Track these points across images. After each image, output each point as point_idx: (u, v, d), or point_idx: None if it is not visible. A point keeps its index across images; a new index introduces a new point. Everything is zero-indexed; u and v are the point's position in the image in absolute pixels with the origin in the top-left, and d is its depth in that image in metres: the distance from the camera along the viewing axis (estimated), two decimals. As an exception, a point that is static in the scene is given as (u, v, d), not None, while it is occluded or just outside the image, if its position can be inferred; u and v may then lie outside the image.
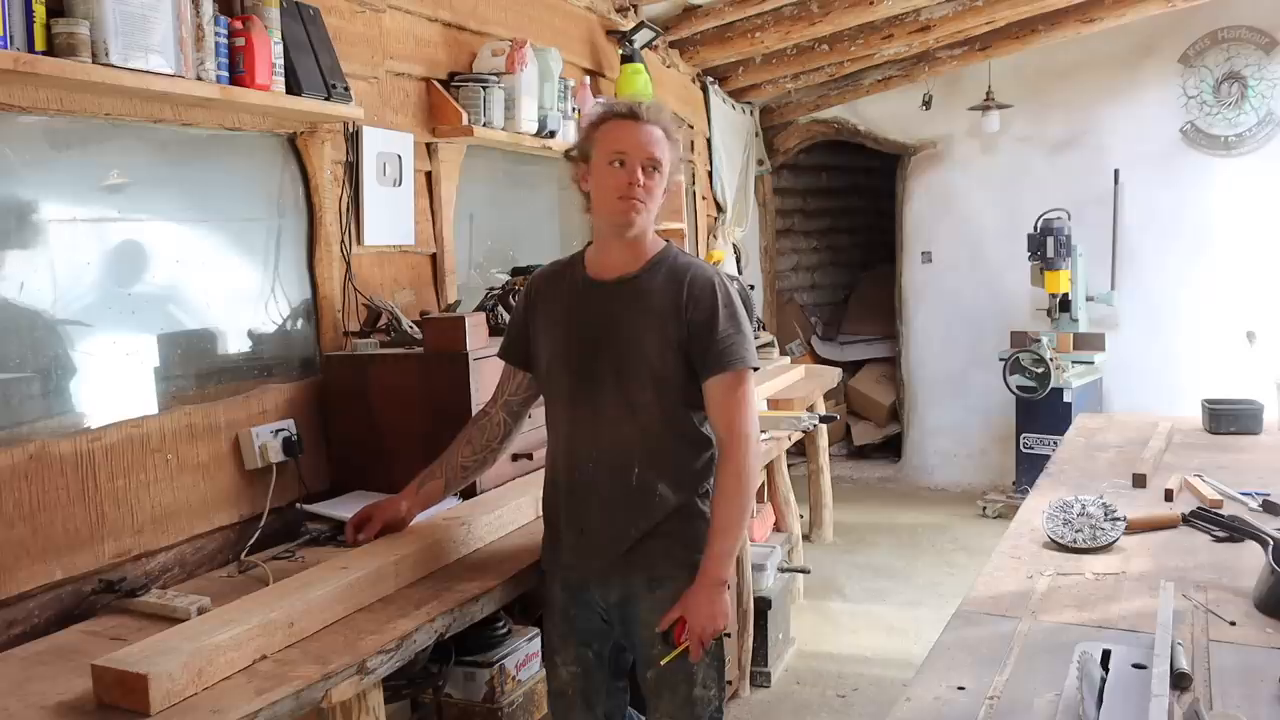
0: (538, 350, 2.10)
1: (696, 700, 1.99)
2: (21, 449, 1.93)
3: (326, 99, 2.46)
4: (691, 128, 5.19)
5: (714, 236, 5.53)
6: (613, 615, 2.05)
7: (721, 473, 1.97)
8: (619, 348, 1.97)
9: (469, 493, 2.52)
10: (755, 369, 2.01)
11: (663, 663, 1.93)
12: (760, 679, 3.59)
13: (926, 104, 5.98)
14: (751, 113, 6.25)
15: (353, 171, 2.76)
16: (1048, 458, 3.19)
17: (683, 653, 1.92)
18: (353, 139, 2.75)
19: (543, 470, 2.75)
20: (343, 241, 2.74)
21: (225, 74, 2.19)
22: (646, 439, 1.97)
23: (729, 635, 2.07)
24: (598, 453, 1.99)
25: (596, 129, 1.98)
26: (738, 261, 5.98)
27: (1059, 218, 5.28)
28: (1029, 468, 5.14)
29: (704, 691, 2.00)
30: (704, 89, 5.43)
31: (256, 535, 2.36)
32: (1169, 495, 2.53)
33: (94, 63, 1.88)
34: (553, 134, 3.50)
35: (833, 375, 5.45)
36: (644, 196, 1.93)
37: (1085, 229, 5.57)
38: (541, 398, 2.18)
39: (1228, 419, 3.31)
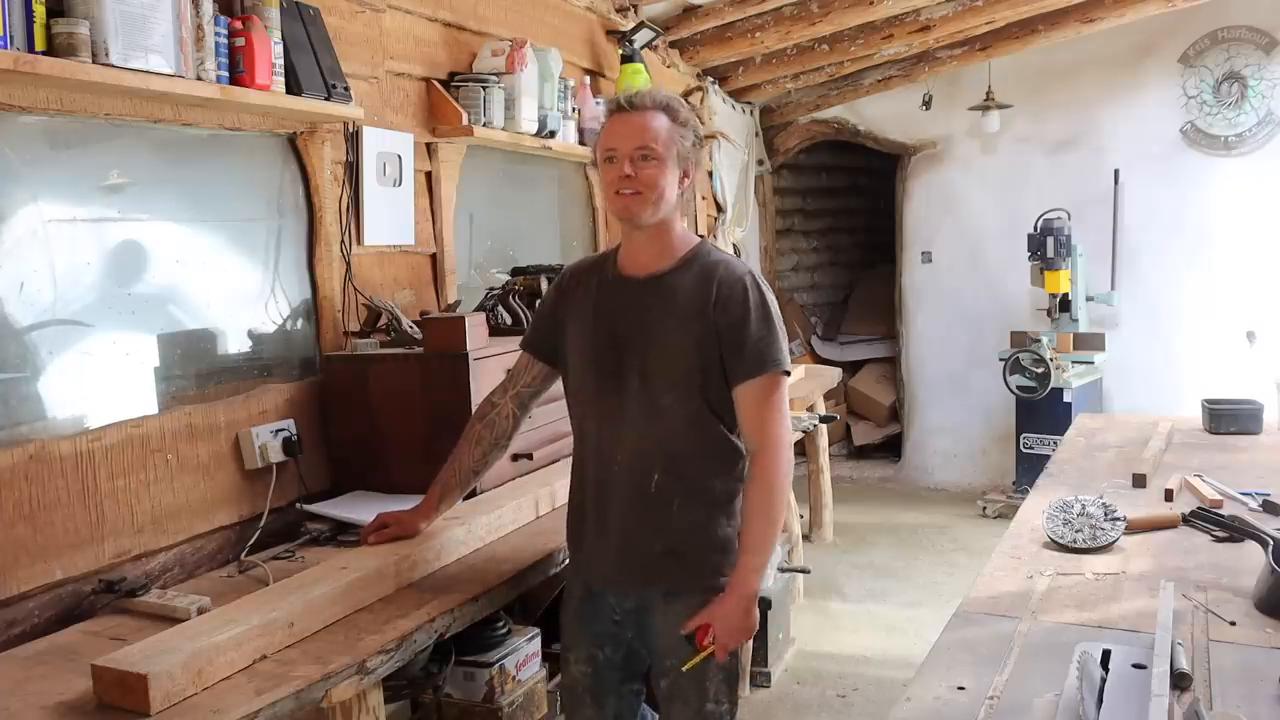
0: (565, 346, 2.04)
1: (708, 714, 1.95)
2: (21, 449, 1.93)
3: (326, 99, 2.46)
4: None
5: (714, 236, 5.53)
6: (628, 621, 2.00)
7: (751, 483, 1.91)
8: (644, 347, 1.91)
9: (468, 493, 2.52)
10: (787, 373, 1.93)
11: (685, 669, 1.89)
12: (760, 679, 3.59)
13: (926, 104, 5.98)
14: (751, 113, 6.25)
15: (353, 171, 2.76)
16: (1048, 458, 3.19)
17: (707, 658, 1.88)
18: (353, 139, 2.75)
19: (543, 469, 2.78)
20: (343, 241, 2.74)
21: (225, 74, 2.19)
22: (668, 445, 1.91)
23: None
24: (622, 455, 1.94)
25: (600, 129, 1.96)
26: (738, 261, 5.97)
27: (1059, 218, 5.28)
28: (1029, 468, 5.14)
29: (715, 706, 1.95)
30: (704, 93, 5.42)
31: (256, 535, 2.36)
32: (1169, 495, 2.53)
33: (94, 63, 1.88)
34: (553, 134, 3.50)
35: (833, 375, 5.45)
36: (640, 186, 1.86)
37: (1085, 229, 5.57)
38: (546, 391, 2.15)
39: (1228, 419, 3.31)
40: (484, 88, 3.16)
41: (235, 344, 2.53)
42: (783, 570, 3.86)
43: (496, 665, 2.40)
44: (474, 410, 2.24)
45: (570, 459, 2.09)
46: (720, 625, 1.87)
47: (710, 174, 5.44)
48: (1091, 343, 5.63)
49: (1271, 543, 1.91)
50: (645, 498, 1.92)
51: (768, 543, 1.91)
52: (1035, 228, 5.33)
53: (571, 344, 2.03)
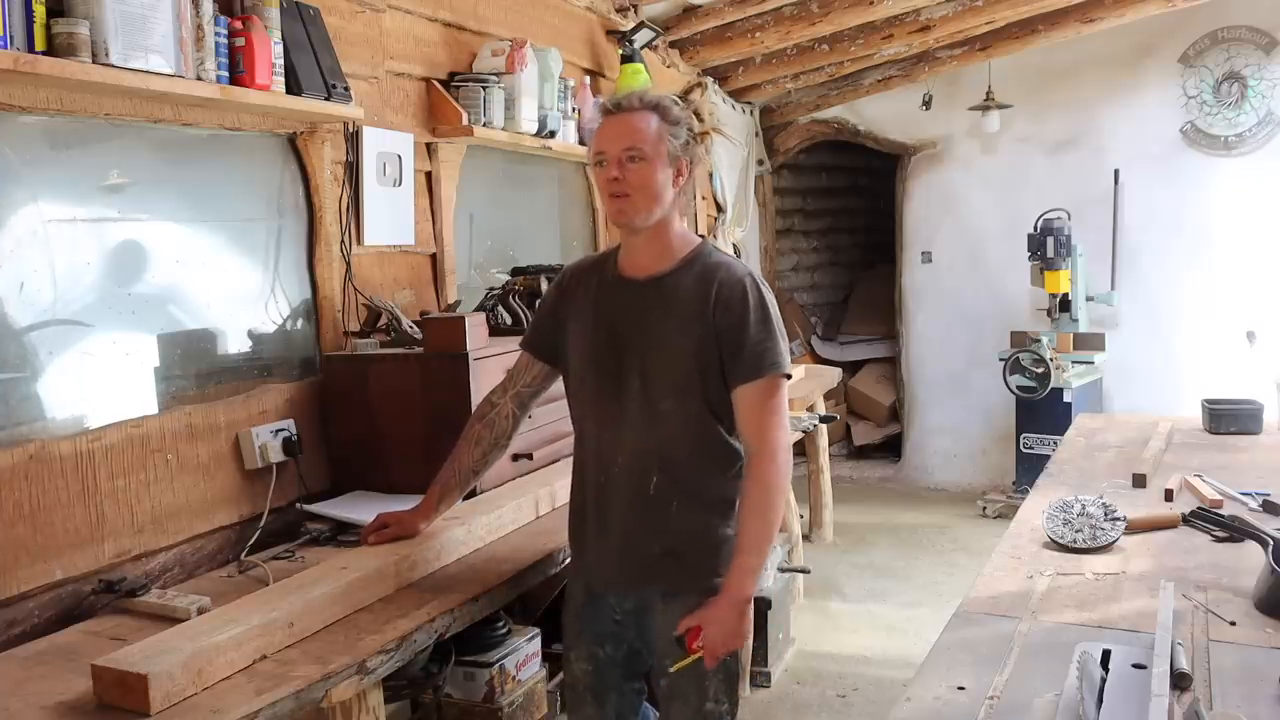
0: (566, 346, 2.04)
1: (708, 714, 1.94)
2: (21, 449, 1.93)
3: (326, 99, 2.46)
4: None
5: (714, 236, 5.53)
6: (628, 621, 2.00)
7: (748, 485, 1.89)
8: (644, 350, 1.91)
9: (468, 493, 2.52)
10: (788, 376, 1.91)
11: (673, 669, 1.87)
12: (760, 679, 3.59)
13: (926, 104, 5.98)
14: (751, 113, 6.25)
15: (353, 171, 2.76)
16: (1048, 458, 3.19)
17: (696, 661, 1.85)
18: (353, 139, 2.75)
19: (543, 469, 2.78)
20: (343, 241, 2.74)
21: (225, 74, 2.19)
22: (667, 447, 1.90)
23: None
24: (622, 457, 1.93)
25: (593, 135, 1.96)
26: (738, 261, 5.97)
27: (1059, 218, 5.28)
28: (1029, 468, 5.14)
29: (715, 706, 1.94)
30: (703, 89, 5.43)
31: (256, 535, 2.36)
32: (1169, 495, 2.53)
33: (94, 63, 1.88)
34: (553, 134, 3.50)
35: (833, 375, 5.45)
36: (630, 188, 1.85)
37: (1085, 229, 5.57)
38: (546, 391, 2.15)
39: (1228, 419, 3.31)
40: (484, 88, 3.16)
41: (235, 344, 2.53)
42: (783, 570, 3.86)
43: (496, 665, 2.40)
44: (474, 410, 2.23)
45: (570, 459, 2.09)
46: (711, 629, 1.84)
47: (710, 174, 5.44)
48: (1091, 343, 5.63)
49: (1271, 543, 1.91)
50: (645, 499, 1.91)
51: (764, 544, 1.88)
52: (1035, 228, 5.33)
53: (572, 344, 2.02)
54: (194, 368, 2.40)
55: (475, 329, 2.57)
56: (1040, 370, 5.26)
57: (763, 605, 3.56)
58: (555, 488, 2.57)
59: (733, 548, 1.92)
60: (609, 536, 1.97)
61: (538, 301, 2.99)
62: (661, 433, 1.90)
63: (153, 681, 1.50)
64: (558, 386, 2.12)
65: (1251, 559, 1.97)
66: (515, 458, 2.67)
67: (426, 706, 2.41)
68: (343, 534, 2.36)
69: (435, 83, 3.14)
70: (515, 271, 3.23)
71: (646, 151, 1.86)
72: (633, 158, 1.85)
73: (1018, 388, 5.36)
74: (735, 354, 1.88)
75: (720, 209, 5.56)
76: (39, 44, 1.81)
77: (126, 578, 2.04)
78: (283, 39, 2.34)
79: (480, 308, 3.03)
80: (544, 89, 3.46)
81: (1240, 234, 5.53)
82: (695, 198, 5.24)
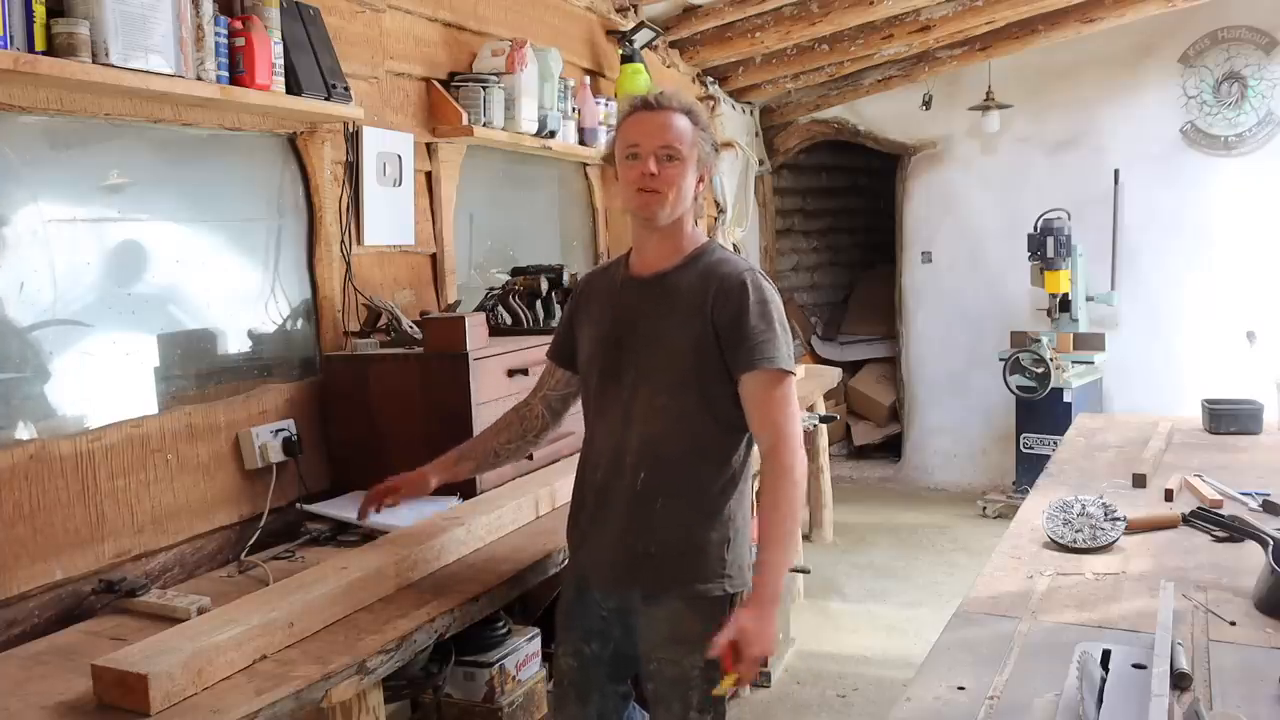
0: (579, 351, 2.06)
1: None
2: (21, 449, 1.93)
3: (326, 99, 2.46)
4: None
5: (714, 236, 5.53)
6: (613, 619, 2.00)
7: (767, 474, 1.85)
8: (641, 346, 1.92)
9: (469, 493, 2.52)
10: (791, 373, 1.89)
11: (715, 692, 1.81)
12: (760, 679, 3.59)
13: (926, 104, 5.98)
14: (751, 113, 6.25)
15: (353, 171, 2.76)
16: (1048, 458, 3.19)
17: (733, 676, 1.75)
18: (353, 139, 2.75)
19: (543, 469, 2.78)
20: (343, 241, 2.74)
21: (225, 74, 2.20)
22: (659, 444, 1.90)
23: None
24: (615, 454, 1.93)
25: (617, 127, 1.95)
26: (738, 261, 5.96)
27: (1059, 218, 5.28)
28: (1029, 468, 5.14)
29: (699, 716, 1.91)
30: (704, 89, 5.43)
31: (256, 535, 2.36)
32: (1169, 495, 2.53)
33: (94, 63, 1.88)
34: (553, 134, 3.50)
35: (833, 375, 5.45)
36: (662, 185, 1.86)
37: (1085, 229, 5.57)
38: (574, 397, 2.16)
39: (1228, 419, 3.31)
40: (484, 88, 3.16)
41: (235, 344, 2.53)
42: (783, 570, 3.86)
43: (496, 665, 2.40)
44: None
45: (569, 458, 2.10)
46: (742, 641, 1.75)
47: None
48: (1091, 343, 5.63)
49: (1271, 543, 1.91)
50: (634, 496, 1.92)
51: (788, 538, 1.84)
52: (1035, 228, 5.33)
53: (582, 347, 2.05)
54: (194, 368, 2.40)
55: (475, 329, 2.57)
56: (1040, 370, 5.26)
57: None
58: (555, 488, 2.57)
59: (717, 550, 1.90)
60: (600, 533, 1.98)
61: (538, 302, 3.01)
62: (655, 429, 1.90)
63: (153, 681, 1.50)
64: None
65: (1251, 559, 1.97)
66: (515, 458, 2.67)
67: (426, 706, 2.41)
68: (343, 534, 2.36)
69: (435, 83, 3.14)
70: (515, 271, 3.23)
71: (683, 152, 1.87)
72: (670, 157, 1.87)
73: (1018, 388, 5.36)
74: (736, 345, 1.87)
75: (720, 209, 5.56)
76: (39, 44, 1.81)
77: (126, 578, 2.04)
78: (283, 39, 2.34)
79: (480, 308, 3.03)
80: (544, 89, 3.46)
81: (1240, 234, 5.52)
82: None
